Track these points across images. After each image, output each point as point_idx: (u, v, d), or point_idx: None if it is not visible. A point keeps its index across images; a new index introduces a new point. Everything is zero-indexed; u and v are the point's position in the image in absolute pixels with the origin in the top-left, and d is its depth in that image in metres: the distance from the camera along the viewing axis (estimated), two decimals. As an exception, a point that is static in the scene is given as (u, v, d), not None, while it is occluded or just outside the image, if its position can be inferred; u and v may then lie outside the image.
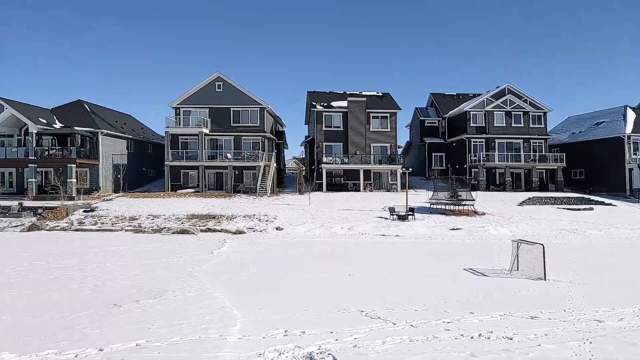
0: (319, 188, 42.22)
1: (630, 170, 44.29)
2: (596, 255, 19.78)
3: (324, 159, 42.73)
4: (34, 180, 36.86)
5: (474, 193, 36.54)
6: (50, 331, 8.63)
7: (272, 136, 46.46)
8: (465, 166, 46.42)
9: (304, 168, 51.40)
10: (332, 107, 45.92)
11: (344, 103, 45.83)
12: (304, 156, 58.09)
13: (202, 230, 26.60)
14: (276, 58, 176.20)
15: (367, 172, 43.34)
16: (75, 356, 7.37)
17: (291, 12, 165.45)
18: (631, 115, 47.42)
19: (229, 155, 42.22)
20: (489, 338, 8.14)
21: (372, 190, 42.61)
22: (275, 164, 43.86)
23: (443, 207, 32.77)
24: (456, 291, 12.18)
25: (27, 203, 31.29)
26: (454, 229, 26.67)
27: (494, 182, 44.89)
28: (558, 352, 7.35)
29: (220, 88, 43.59)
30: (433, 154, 51.94)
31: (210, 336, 8.41)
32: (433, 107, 55.73)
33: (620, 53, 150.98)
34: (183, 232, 26.15)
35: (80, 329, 8.80)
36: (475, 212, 32.05)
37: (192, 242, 22.51)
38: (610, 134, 46.49)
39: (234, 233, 26.03)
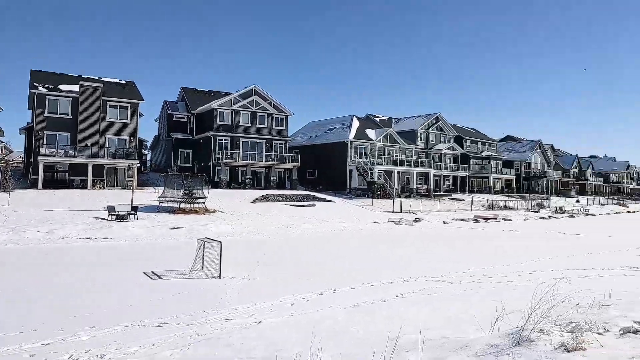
0: (34, 185, 36.01)
1: (350, 171, 50.66)
2: (296, 248, 21.14)
3: (43, 150, 36.73)
4: None
5: (212, 191, 36.25)
6: None
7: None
8: (209, 164, 46.13)
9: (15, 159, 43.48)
10: (60, 90, 40.15)
11: (77, 87, 40.50)
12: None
13: None
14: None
15: (98, 167, 38.94)
16: None
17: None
18: (356, 124, 54.40)
19: None
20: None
21: (103, 188, 38.45)
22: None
23: (174, 205, 31.38)
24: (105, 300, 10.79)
25: None
26: (174, 228, 25.49)
27: (236, 180, 45.68)
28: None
29: None
30: (180, 150, 50.17)
31: None
32: (183, 102, 53.99)
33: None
34: None
35: None
36: (207, 210, 31.62)
37: None
38: (338, 139, 52.40)
39: None
